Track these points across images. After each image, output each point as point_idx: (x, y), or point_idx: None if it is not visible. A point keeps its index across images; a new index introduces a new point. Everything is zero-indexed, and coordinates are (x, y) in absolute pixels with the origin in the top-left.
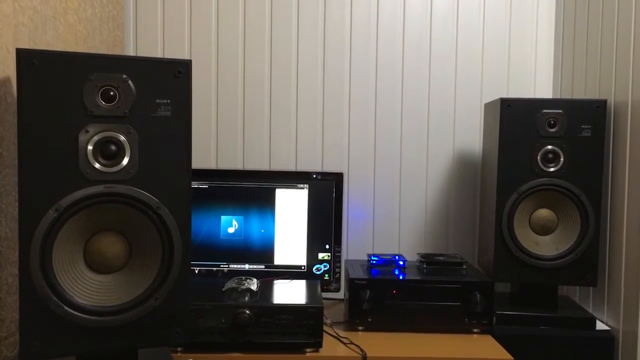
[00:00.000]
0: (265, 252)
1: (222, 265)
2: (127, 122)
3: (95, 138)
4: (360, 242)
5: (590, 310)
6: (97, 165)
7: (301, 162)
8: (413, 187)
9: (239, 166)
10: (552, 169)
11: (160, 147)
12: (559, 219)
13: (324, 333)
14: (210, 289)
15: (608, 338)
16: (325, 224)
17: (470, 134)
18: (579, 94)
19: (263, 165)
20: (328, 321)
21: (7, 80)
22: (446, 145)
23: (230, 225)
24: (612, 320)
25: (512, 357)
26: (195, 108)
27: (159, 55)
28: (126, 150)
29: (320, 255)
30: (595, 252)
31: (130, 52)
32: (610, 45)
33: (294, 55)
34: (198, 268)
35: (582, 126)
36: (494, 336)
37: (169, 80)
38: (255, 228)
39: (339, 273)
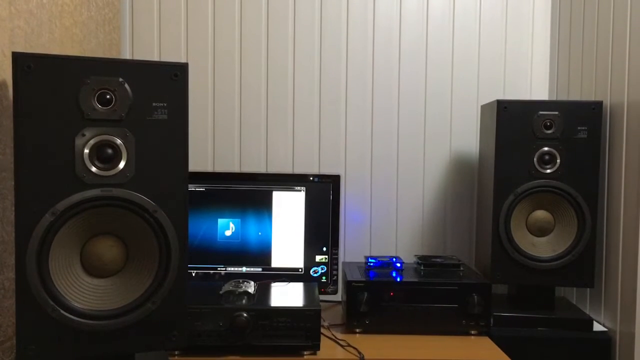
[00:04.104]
0: (262, 255)
1: (219, 268)
2: (123, 125)
3: (92, 142)
4: (357, 244)
5: (587, 312)
6: (93, 169)
7: (298, 164)
8: (410, 189)
9: (235, 169)
10: (548, 171)
11: (157, 150)
12: (555, 220)
13: (322, 335)
14: (207, 292)
15: (605, 339)
16: (322, 226)
17: (467, 135)
18: (575, 96)
19: (260, 168)
20: (325, 323)
21: (3, 83)
22: (443, 147)
23: (227, 228)
24: (610, 322)
25: (509, 359)
26: (192, 111)
27: (156, 58)
28: (123, 153)
29: (318, 258)
30: (592, 253)
31: (127, 56)
32: (606, 47)
33: (290, 58)
34: (195, 271)
35: (579, 128)
36: (491, 338)
37: (166, 83)
38: (253, 231)
39: (337, 275)
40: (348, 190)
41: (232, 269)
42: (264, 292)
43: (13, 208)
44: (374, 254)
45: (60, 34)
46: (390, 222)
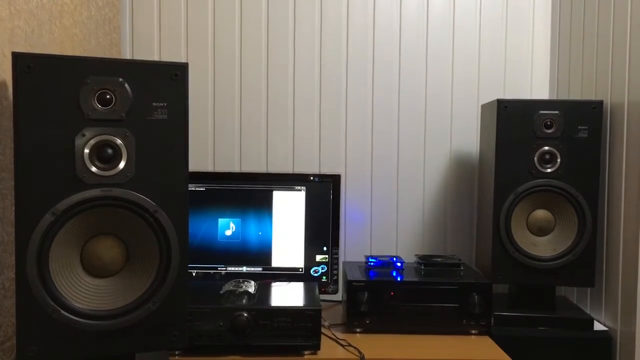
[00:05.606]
0: (262, 255)
1: (219, 268)
2: (123, 125)
3: (92, 142)
4: (357, 243)
5: (588, 311)
6: (93, 169)
7: (298, 164)
8: (410, 189)
9: (236, 168)
10: (549, 170)
11: (157, 150)
12: (556, 219)
13: (322, 335)
14: (207, 291)
15: (606, 338)
16: (322, 226)
17: (468, 135)
18: (575, 95)
19: (260, 168)
20: (326, 323)
21: (3, 84)
22: (443, 146)
23: (228, 227)
24: (610, 321)
25: (510, 358)
26: (192, 111)
27: (156, 58)
28: (123, 153)
29: (318, 257)
30: (593, 252)
31: (127, 55)
32: (607, 46)
33: (290, 57)
34: (195, 271)
35: (579, 127)
36: (492, 337)
37: (166, 83)
38: (253, 230)
39: (337, 275)
40: (348, 189)
41: (233, 268)
42: (264, 291)
43: (13, 208)
44: (375, 253)
45: (60, 34)
46: (390, 222)
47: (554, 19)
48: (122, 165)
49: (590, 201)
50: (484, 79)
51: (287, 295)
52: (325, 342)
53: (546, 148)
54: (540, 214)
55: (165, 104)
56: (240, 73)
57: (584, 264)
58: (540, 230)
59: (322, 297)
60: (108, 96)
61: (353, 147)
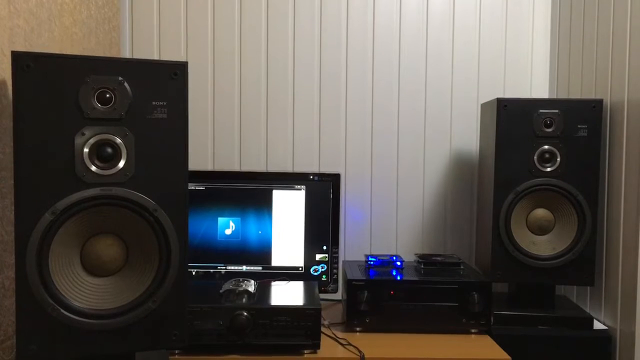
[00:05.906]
0: (262, 254)
1: (219, 267)
2: (123, 124)
3: (92, 141)
4: (357, 243)
5: (587, 310)
6: (93, 168)
7: (298, 163)
8: (410, 188)
9: (235, 167)
10: (548, 169)
11: (156, 149)
12: (555, 218)
13: (322, 334)
14: (207, 291)
15: (605, 337)
16: (322, 225)
17: (467, 134)
18: (575, 94)
19: (260, 167)
20: (326, 322)
21: (2, 83)
22: (443, 145)
23: (228, 226)
24: (610, 320)
25: (509, 357)
26: (192, 110)
27: (155, 57)
28: (122, 152)
29: (318, 257)
30: (593, 251)
31: (127, 54)
32: (606, 45)
33: (290, 56)
34: (195, 270)
35: (579, 126)
36: (491, 336)
37: (166, 82)
38: (253, 229)
39: (337, 274)
40: (348, 188)
41: (232, 267)
42: (264, 291)
43: (13, 207)
44: (374, 252)
45: (59, 33)
46: (390, 221)
47: (554, 19)
48: (121, 164)
49: (590, 200)
50: (484, 78)
51: (287, 294)
52: (325, 341)
53: (546, 147)
54: (540, 212)
55: (164, 103)
56: (239, 72)
57: (584, 262)
58: (540, 229)
59: (322, 296)
60: (108, 95)
61: (353, 147)
